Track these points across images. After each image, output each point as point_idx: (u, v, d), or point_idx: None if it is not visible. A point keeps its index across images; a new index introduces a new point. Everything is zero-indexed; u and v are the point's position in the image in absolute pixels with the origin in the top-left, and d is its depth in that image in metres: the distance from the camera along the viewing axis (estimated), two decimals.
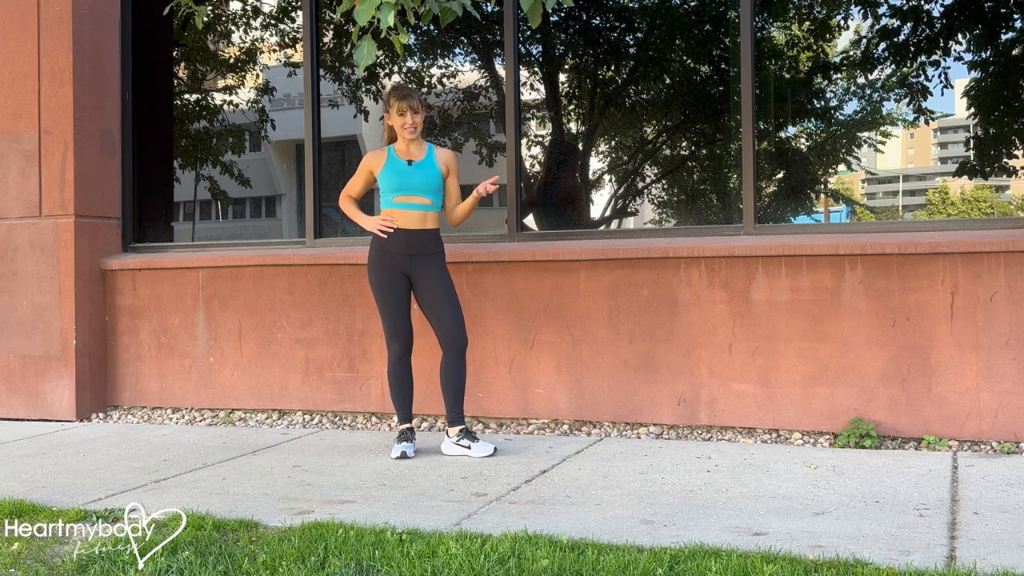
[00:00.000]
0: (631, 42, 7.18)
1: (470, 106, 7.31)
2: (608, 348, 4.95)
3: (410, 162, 4.48)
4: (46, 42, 5.77)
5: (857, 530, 3.03)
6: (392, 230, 4.43)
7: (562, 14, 6.82)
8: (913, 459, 4.08)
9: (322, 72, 6.14)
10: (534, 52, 7.09)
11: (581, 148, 7.25)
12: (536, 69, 7.05)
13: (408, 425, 4.53)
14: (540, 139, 7.07)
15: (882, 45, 6.31)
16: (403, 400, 4.53)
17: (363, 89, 7.37)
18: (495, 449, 4.39)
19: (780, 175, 6.76)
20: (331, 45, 7.03)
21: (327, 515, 3.34)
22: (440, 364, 4.50)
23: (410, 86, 4.53)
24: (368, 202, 6.05)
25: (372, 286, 4.52)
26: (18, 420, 5.83)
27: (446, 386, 4.45)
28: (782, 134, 6.69)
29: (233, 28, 7.83)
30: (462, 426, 4.46)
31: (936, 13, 6.18)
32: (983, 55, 6.11)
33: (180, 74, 7.74)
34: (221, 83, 8.02)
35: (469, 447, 4.37)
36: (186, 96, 7.78)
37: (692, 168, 7.11)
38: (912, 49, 6.22)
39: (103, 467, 4.36)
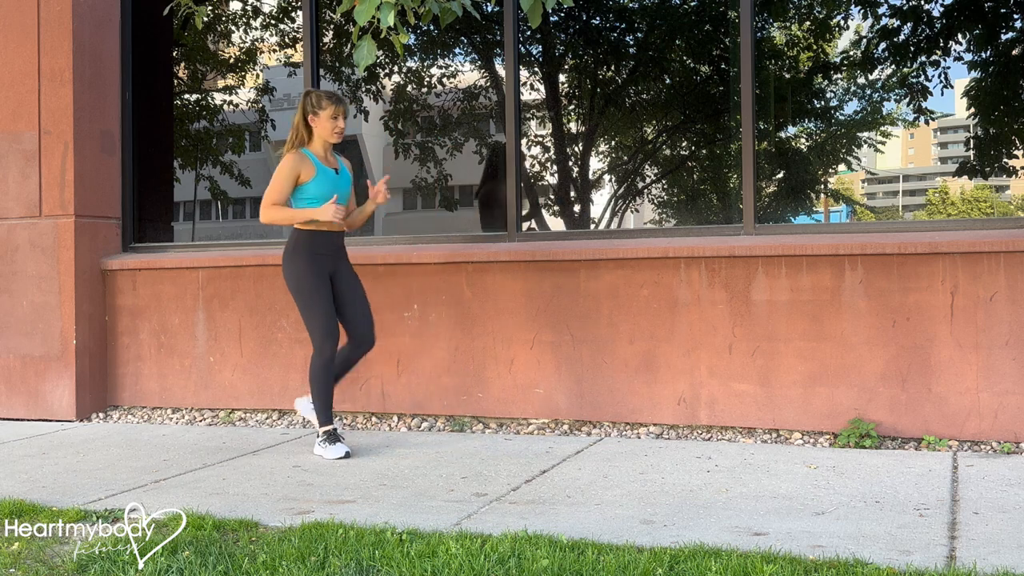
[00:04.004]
0: (631, 42, 7.18)
1: (470, 106, 7.31)
2: (608, 348, 4.95)
3: (336, 171, 4.59)
4: (46, 42, 5.77)
5: (857, 530, 3.03)
6: (340, 216, 4.45)
7: (562, 14, 6.82)
8: (913, 459, 4.08)
9: (322, 72, 6.13)
10: (534, 52, 7.09)
11: (581, 148, 7.25)
12: (536, 69, 7.05)
13: (335, 425, 4.57)
14: (540, 139, 7.07)
15: (882, 45, 6.30)
16: (330, 401, 4.55)
17: (363, 89, 7.37)
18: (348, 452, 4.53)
19: (780, 175, 6.76)
20: (331, 45, 7.03)
21: (327, 515, 3.34)
22: (338, 355, 4.55)
23: (334, 91, 4.58)
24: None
25: (302, 288, 4.46)
26: (18, 420, 5.83)
27: (337, 374, 4.61)
28: (782, 134, 6.69)
29: (233, 28, 7.83)
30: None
31: (936, 13, 6.18)
32: (983, 55, 6.11)
33: (180, 74, 7.74)
34: (221, 83, 8.01)
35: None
36: (186, 96, 7.77)
37: (692, 168, 7.12)
38: (912, 49, 6.21)
39: (103, 467, 4.36)
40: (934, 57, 6.11)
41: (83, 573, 2.87)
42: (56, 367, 5.76)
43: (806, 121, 6.83)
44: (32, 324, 5.81)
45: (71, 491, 3.88)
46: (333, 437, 4.48)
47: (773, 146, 6.59)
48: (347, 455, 4.41)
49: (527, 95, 6.85)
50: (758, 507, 3.35)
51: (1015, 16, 6.00)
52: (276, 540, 3.04)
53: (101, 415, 5.84)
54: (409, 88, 7.54)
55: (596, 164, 7.24)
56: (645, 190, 7.21)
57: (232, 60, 7.95)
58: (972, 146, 6.31)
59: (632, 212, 7.10)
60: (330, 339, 4.45)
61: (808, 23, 6.64)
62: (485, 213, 6.81)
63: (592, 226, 7.00)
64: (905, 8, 6.21)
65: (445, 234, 5.64)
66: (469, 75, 7.30)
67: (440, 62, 7.41)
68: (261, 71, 7.85)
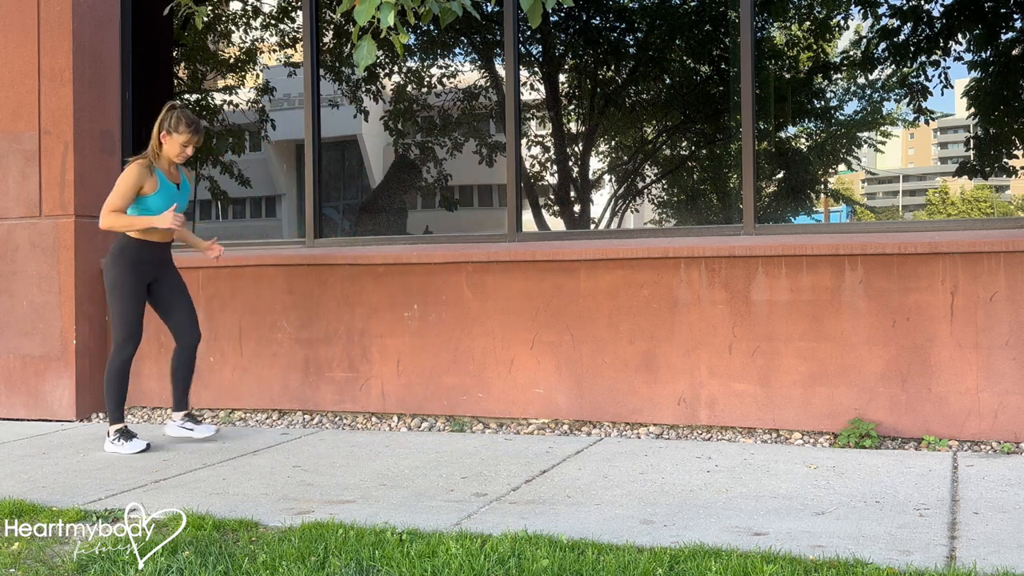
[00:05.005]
0: (631, 42, 7.18)
1: (470, 106, 7.31)
2: (608, 348, 4.95)
3: (178, 186, 4.80)
4: (46, 42, 5.77)
5: (857, 530, 3.03)
6: (178, 223, 4.67)
7: (562, 14, 6.82)
8: (913, 459, 4.08)
9: (322, 72, 6.13)
10: (534, 52, 7.09)
11: (581, 148, 7.25)
12: (536, 69, 7.05)
13: (126, 424, 4.84)
14: (540, 139, 7.08)
15: (882, 45, 6.31)
16: (123, 400, 4.80)
17: (363, 89, 7.37)
18: (217, 430, 4.97)
19: (780, 175, 6.76)
20: (331, 45, 7.03)
21: (327, 515, 3.34)
22: (173, 357, 4.90)
23: (197, 118, 4.74)
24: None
25: (120, 291, 4.69)
26: (18, 420, 5.83)
27: (180, 377, 4.90)
28: (782, 134, 6.69)
29: (233, 28, 7.83)
30: (187, 411, 4.97)
31: (936, 13, 6.18)
32: (983, 55, 6.11)
33: (180, 74, 7.74)
34: (221, 83, 8.01)
35: (192, 429, 4.91)
36: (186, 96, 7.77)
37: (692, 168, 7.12)
38: (912, 49, 6.22)
39: (103, 467, 4.36)
40: (934, 57, 6.11)
41: (83, 573, 2.87)
42: (56, 367, 5.76)
43: (806, 121, 6.83)
44: (32, 324, 5.81)
45: (71, 491, 3.88)
46: (127, 434, 4.72)
47: (773, 146, 6.59)
48: (148, 447, 4.69)
49: (527, 95, 6.85)
50: (758, 507, 3.35)
51: (1015, 16, 6.00)
52: (276, 540, 3.04)
53: (101, 415, 5.84)
54: (409, 88, 7.55)
55: (596, 164, 7.25)
56: (645, 190, 7.21)
57: (232, 60, 7.95)
58: (972, 146, 6.31)
59: (632, 212, 7.11)
60: (132, 342, 4.73)
61: (808, 23, 6.64)
62: (379, 218, 6.90)
63: (592, 226, 7.00)
64: (905, 8, 6.21)
65: (445, 234, 5.64)
66: (469, 75, 7.31)
67: (440, 62, 7.42)
68: (261, 71, 7.85)
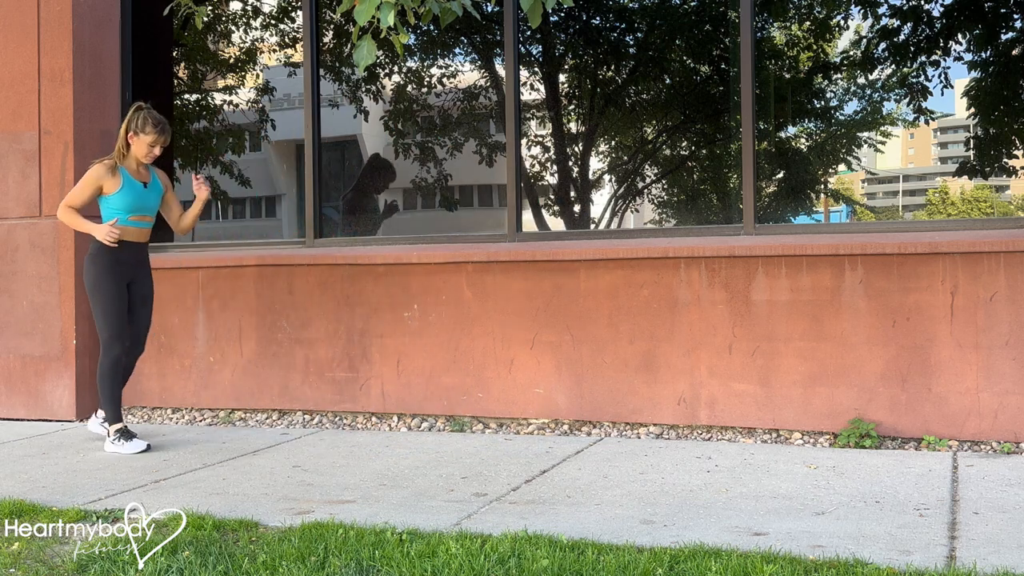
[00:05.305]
0: (631, 42, 7.18)
1: (470, 106, 7.31)
2: (608, 348, 4.95)
3: (145, 184, 4.82)
4: (46, 42, 5.77)
5: (857, 530, 3.03)
6: (117, 238, 4.66)
7: (562, 14, 6.82)
8: (913, 459, 4.08)
9: (322, 72, 6.13)
10: (534, 52, 7.09)
11: (581, 148, 7.25)
12: (536, 69, 7.05)
13: (125, 423, 4.84)
14: (540, 139, 7.08)
15: (882, 45, 6.31)
16: (119, 399, 4.82)
17: (363, 89, 7.37)
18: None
19: (780, 175, 6.76)
20: (331, 45, 7.03)
21: (327, 515, 3.34)
22: None
23: (163, 119, 4.77)
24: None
25: (100, 291, 4.71)
26: (18, 420, 5.83)
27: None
28: (782, 134, 6.69)
29: (233, 28, 7.83)
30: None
31: (936, 13, 6.18)
32: (983, 55, 6.11)
33: (180, 74, 7.74)
34: (221, 83, 8.01)
35: (108, 431, 4.84)
36: (186, 96, 7.77)
37: (692, 168, 7.12)
38: (912, 49, 6.21)
39: (103, 467, 4.36)
40: (934, 57, 6.11)
41: (83, 573, 2.87)
42: (56, 367, 5.76)
43: (806, 121, 6.83)
44: (32, 324, 5.81)
45: (71, 491, 3.88)
46: (127, 434, 4.73)
47: (773, 146, 6.59)
48: (148, 448, 4.69)
49: (527, 95, 6.85)
50: (758, 507, 3.35)
51: (1015, 16, 6.00)
52: (276, 540, 3.04)
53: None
54: (409, 88, 7.55)
55: (596, 164, 7.25)
56: (645, 190, 7.21)
57: (232, 60, 7.95)
58: (972, 146, 6.31)
59: (632, 212, 7.10)
60: (118, 340, 4.75)
61: (808, 23, 6.64)
62: (349, 217, 6.93)
63: (592, 226, 7.00)
64: (905, 8, 6.21)
65: (445, 234, 5.65)
66: (469, 75, 7.30)
67: (440, 62, 7.42)
68: (261, 71, 7.85)
